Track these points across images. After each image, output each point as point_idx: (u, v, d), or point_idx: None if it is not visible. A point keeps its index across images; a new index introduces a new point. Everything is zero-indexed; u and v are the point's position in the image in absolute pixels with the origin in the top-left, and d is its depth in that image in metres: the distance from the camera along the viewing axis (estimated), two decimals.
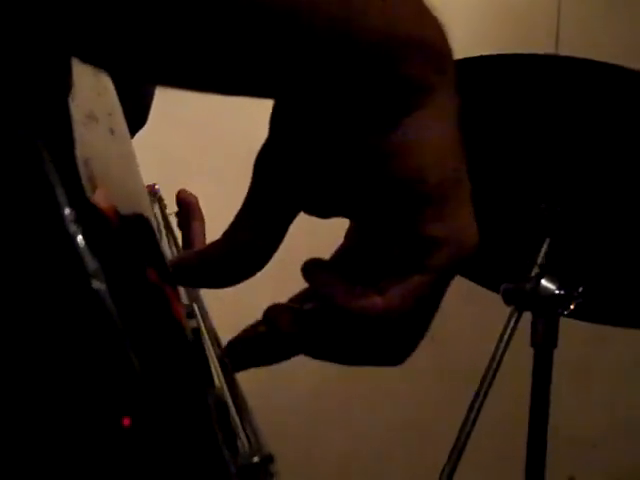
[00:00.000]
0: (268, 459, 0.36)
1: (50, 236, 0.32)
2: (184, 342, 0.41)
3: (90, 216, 0.34)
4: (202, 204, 1.13)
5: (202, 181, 2.04)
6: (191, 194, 1.06)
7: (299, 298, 0.51)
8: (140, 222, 0.45)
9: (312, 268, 0.47)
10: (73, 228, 0.32)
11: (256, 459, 0.36)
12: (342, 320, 0.45)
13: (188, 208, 0.95)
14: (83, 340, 0.31)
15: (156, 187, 1.08)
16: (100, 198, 0.36)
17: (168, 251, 0.82)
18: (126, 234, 0.39)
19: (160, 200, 0.99)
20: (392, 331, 0.45)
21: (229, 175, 1.93)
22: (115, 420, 0.30)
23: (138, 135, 0.82)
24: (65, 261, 0.32)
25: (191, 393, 0.37)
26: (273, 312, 0.47)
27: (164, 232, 0.86)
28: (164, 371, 0.34)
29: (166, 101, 0.80)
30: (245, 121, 1.77)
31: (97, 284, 0.32)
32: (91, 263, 0.32)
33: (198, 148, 2.07)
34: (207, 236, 1.16)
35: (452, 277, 0.45)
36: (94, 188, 0.36)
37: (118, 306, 0.32)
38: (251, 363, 0.50)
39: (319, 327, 0.46)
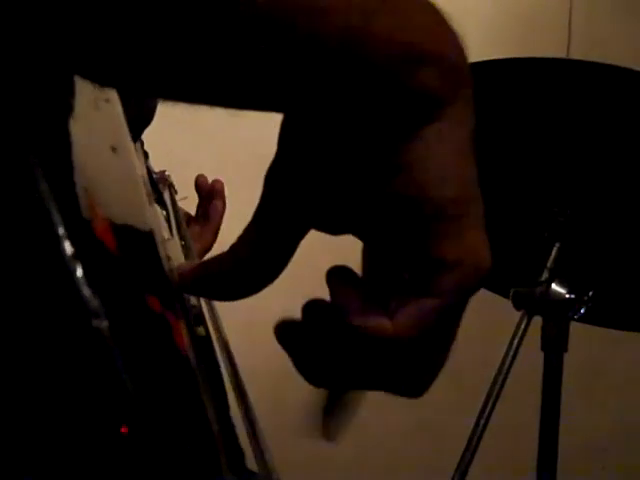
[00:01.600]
0: None
1: (49, 273, 0.32)
2: (185, 371, 0.40)
3: (89, 250, 0.34)
4: None
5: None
6: (217, 180, 1.09)
7: None
8: (142, 243, 0.44)
9: (336, 275, 0.45)
10: (72, 264, 0.32)
11: None
12: (350, 339, 0.43)
13: (210, 189, 0.97)
14: (85, 375, 0.31)
15: (166, 174, 1.09)
16: (100, 227, 0.36)
17: (177, 247, 0.82)
18: (126, 262, 0.38)
19: (171, 186, 1.00)
20: (404, 356, 0.43)
21: (239, 180, 1.93)
22: (113, 459, 0.30)
23: (148, 139, 0.82)
24: (65, 300, 0.31)
25: (191, 418, 0.36)
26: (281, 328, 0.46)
27: (173, 217, 0.87)
28: (163, 404, 0.34)
29: (177, 106, 0.80)
30: (256, 126, 1.77)
31: (98, 322, 0.31)
32: (91, 301, 0.32)
33: (209, 153, 2.08)
34: (219, 240, 1.17)
35: (466, 300, 0.43)
36: (94, 216, 0.36)
37: (119, 342, 0.32)
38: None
39: (328, 347, 0.44)
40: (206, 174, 2.05)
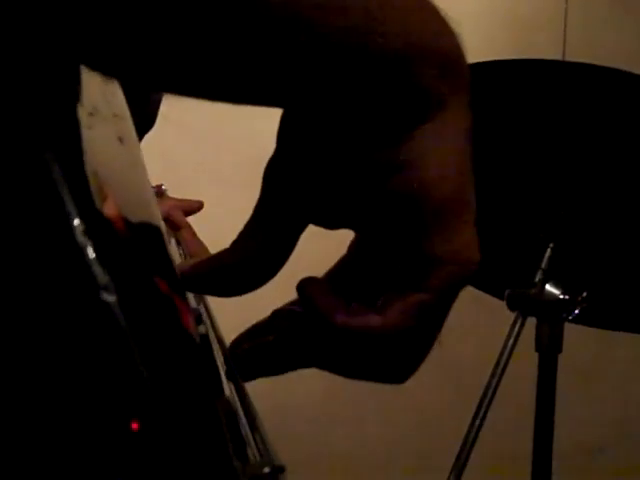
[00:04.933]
0: (279, 469, 0.36)
1: (59, 248, 0.32)
2: (194, 352, 0.40)
3: (99, 227, 0.34)
4: (208, 208, 1.14)
5: (208, 186, 2.05)
6: (171, 202, 1.07)
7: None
8: (150, 231, 0.44)
9: (308, 287, 0.46)
10: (82, 240, 0.32)
11: (267, 469, 0.36)
12: (339, 337, 0.44)
13: (168, 221, 0.96)
14: (93, 351, 0.31)
15: (163, 187, 1.08)
16: (109, 208, 0.36)
17: (176, 254, 0.82)
18: (135, 244, 0.38)
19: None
20: (392, 349, 0.45)
21: (235, 180, 1.93)
22: (124, 434, 0.30)
23: (144, 140, 0.83)
24: (74, 273, 0.32)
25: (201, 403, 0.37)
26: (280, 315, 0.47)
27: (170, 232, 0.87)
28: (174, 382, 0.34)
29: (172, 106, 0.81)
30: (251, 126, 1.78)
31: (107, 296, 0.32)
32: (101, 275, 0.32)
33: (204, 153, 2.08)
34: (214, 240, 1.17)
35: (454, 297, 0.44)
36: (103, 198, 0.36)
37: (128, 317, 0.32)
38: (259, 373, 0.49)
39: (317, 338, 0.46)
40: (201, 174, 2.06)
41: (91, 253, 0.32)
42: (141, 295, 0.36)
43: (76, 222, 0.32)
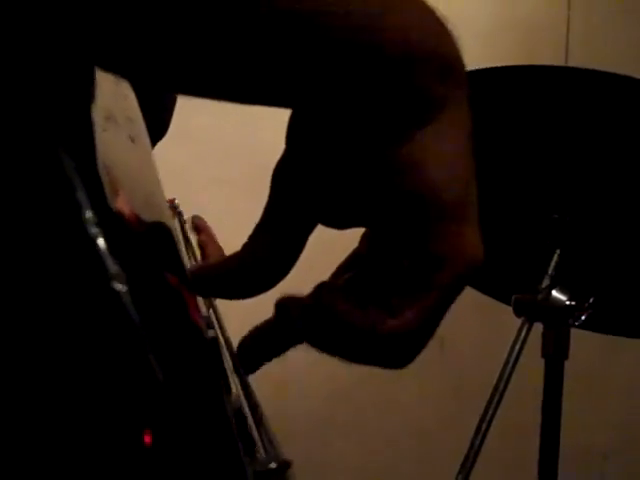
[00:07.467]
0: (285, 465, 0.37)
1: (71, 238, 0.33)
2: (203, 347, 0.41)
3: (111, 219, 0.35)
4: (211, 215, 1.14)
5: (211, 192, 2.05)
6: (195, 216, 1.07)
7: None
8: (160, 229, 0.45)
9: (326, 296, 0.46)
10: (94, 230, 0.33)
11: (273, 465, 0.37)
12: (354, 338, 0.45)
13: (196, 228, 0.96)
14: (103, 342, 0.31)
15: (176, 202, 1.08)
16: (121, 203, 0.37)
17: (188, 263, 0.82)
18: (146, 239, 0.39)
19: (180, 215, 1.00)
20: (400, 344, 0.45)
21: (238, 186, 1.93)
22: (136, 425, 0.31)
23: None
24: (86, 263, 0.32)
25: (212, 399, 0.37)
26: (285, 302, 0.47)
27: (183, 246, 0.87)
28: (185, 374, 0.35)
29: (176, 113, 0.81)
30: (255, 133, 1.78)
31: (118, 286, 0.32)
32: (112, 265, 0.32)
33: (208, 160, 2.08)
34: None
35: (458, 295, 0.45)
36: (115, 193, 0.37)
37: (139, 307, 0.32)
38: (262, 356, 0.50)
39: (325, 331, 0.46)
40: (207, 182, 2.06)
41: (102, 244, 0.33)
42: (151, 286, 0.36)
43: (88, 214, 0.33)
